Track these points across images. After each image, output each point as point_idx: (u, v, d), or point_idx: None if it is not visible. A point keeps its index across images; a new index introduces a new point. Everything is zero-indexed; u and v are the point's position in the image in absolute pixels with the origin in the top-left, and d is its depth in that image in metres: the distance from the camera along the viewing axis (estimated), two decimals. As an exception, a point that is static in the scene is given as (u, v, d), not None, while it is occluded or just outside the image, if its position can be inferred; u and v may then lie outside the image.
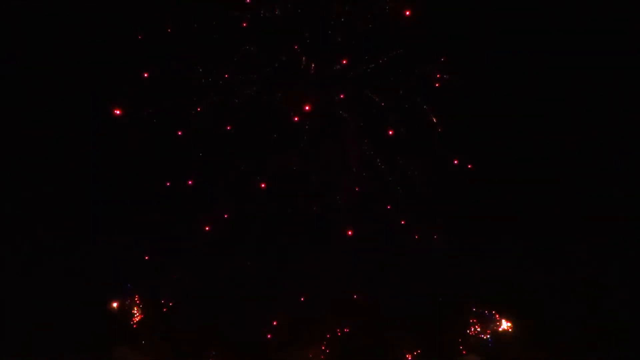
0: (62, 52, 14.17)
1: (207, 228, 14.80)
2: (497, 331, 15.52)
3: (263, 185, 14.96)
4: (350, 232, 15.02)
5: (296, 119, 14.96)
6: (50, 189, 14.33)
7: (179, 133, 14.87)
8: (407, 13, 14.36)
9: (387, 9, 14.56)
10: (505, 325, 15.53)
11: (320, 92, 15.09)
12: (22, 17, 14.11)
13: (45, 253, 14.19)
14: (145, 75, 14.35)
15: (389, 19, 14.66)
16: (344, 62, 14.98)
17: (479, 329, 15.60)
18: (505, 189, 15.09)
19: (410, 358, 15.48)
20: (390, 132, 15.27)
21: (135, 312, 15.12)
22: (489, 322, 15.63)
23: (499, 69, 14.63)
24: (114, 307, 14.82)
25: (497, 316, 15.58)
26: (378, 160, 15.40)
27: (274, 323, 15.33)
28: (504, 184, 15.02)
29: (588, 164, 14.71)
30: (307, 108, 14.78)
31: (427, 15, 14.46)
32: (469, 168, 15.03)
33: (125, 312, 15.02)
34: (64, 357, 13.64)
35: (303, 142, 15.21)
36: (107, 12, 14.09)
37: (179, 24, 14.41)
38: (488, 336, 15.53)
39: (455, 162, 15.05)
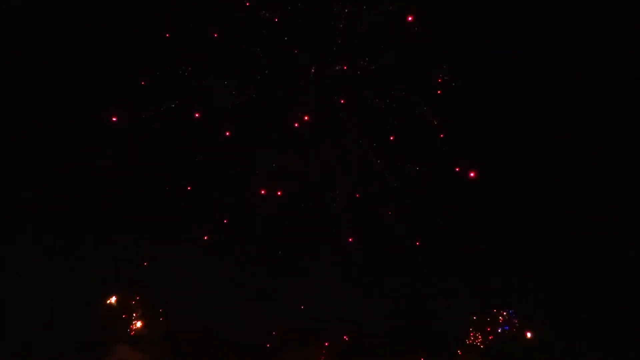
0: (65, 54, 14.18)
1: (205, 237, 14.86)
2: (497, 334, 15.50)
3: (263, 192, 14.97)
4: (350, 239, 15.01)
5: (296, 125, 14.98)
6: (50, 190, 14.33)
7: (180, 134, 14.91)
8: (409, 16, 14.38)
9: (389, 8, 14.57)
10: (505, 327, 15.51)
11: (320, 94, 15.09)
12: (22, 19, 14.13)
13: (45, 254, 14.17)
14: (142, 83, 14.36)
15: (389, 20, 14.67)
16: (344, 63, 15.00)
17: (480, 339, 15.55)
18: (506, 192, 15.13)
19: None
20: (391, 138, 15.30)
21: (135, 312, 15.12)
22: (489, 326, 15.60)
23: (502, 71, 14.62)
24: (113, 304, 14.84)
25: (500, 320, 15.55)
26: (378, 161, 15.39)
27: (273, 332, 15.36)
28: (505, 187, 15.06)
29: (591, 167, 14.71)
30: (306, 118, 14.82)
31: (428, 16, 14.48)
32: (471, 177, 15.05)
33: (125, 312, 15.02)
34: (64, 357, 13.66)
35: (304, 145, 15.22)
36: (107, 14, 14.10)
37: (179, 25, 14.42)
38: (487, 343, 15.51)
39: (457, 169, 15.07)
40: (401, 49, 14.77)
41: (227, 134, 14.93)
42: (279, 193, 15.11)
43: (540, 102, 14.87)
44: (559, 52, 14.39)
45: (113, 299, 14.84)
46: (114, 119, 14.12)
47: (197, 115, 14.67)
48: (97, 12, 14.00)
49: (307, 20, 14.70)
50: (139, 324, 15.05)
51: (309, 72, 15.00)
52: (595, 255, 14.49)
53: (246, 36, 14.74)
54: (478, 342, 15.48)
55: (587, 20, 13.98)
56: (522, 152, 14.95)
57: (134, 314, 15.07)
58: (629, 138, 14.38)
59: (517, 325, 15.44)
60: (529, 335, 15.21)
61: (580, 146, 14.71)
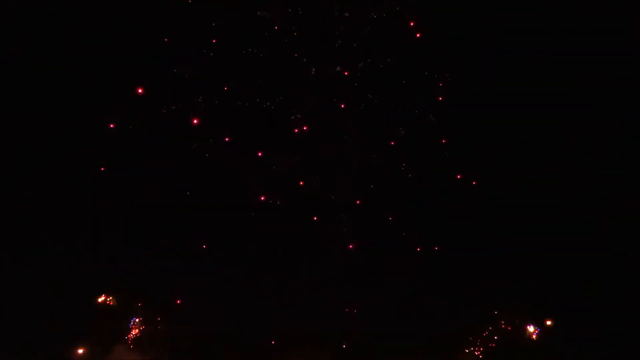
0: (64, 54, 14.17)
1: (205, 239, 14.88)
2: (497, 340, 15.49)
3: (263, 193, 14.99)
4: (351, 246, 15.01)
5: (296, 130, 14.99)
6: (50, 190, 14.33)
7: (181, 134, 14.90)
8: (409, 17, 14.40)
9: (392, 10, 14.59)
10: (506, 330, 15.51)
11: (320, 96, 15.10)
12: (22, 19, 14.14)
13: (45, 254, 14.17)
14: (140, 90, 14.35)
15: (389, 21, 14.69)
16: (345, 65, 15.01)
17: (480, 344, 15.52)
18: (506, 193, 15.12)
19: None
20: (392, 143, 15.30)
21: (135, 313, 15.11)
22: (489, 330, 15.58)
23: (503, 72, 14.61)
24: (113, 304, 14.84)
25: (502, 326, 15.54)
26: (379, 163, 15.38)
27: (273, 334, 15.36)
28: (505, 187, 15.04)
29: (591, 167, 14.70)
30: (305, 128, 14.85)
31: (428, 17, 14.49)
32: (473, 184, 15.05)
33: (125, 313, 15.02)
34: (63, 357, 13.67)
35: (304, 147, 15.22)
36: (107, 14, 14.10)
37: (179, 27, 14.43)
38: (488, 349, 15.49)
39: (459, 176, 15.06)
40: (402, 50, 14.80)
41: (227, 135, 14.95)
42: (278, 195, 15.12)
43: (540, 102, 14.86)
44: (558, 52, 14.42)
45: (113, 299, 14.83)
46: (112, 124, 14.12)
47: (195, 119, 14.66)
48: (97, 12, 14.00)
49: (307, 22, 14.72)
50: (138, 325, 15.04)
51: (309, 74, 15.02)
52: (595, 255, 14.50)
53: (246, 38, 14.76)
54: (478, 352, 15.47)
55: (587, 20, 14.00)
56: (521, 153, 14.97)
57: (134, 315, 15.06)
58: (629, 138, 14.40)
59: (518, 325, 15.43)
60: (531, 328, 15.20)
61: (581, 146, 14.72)
